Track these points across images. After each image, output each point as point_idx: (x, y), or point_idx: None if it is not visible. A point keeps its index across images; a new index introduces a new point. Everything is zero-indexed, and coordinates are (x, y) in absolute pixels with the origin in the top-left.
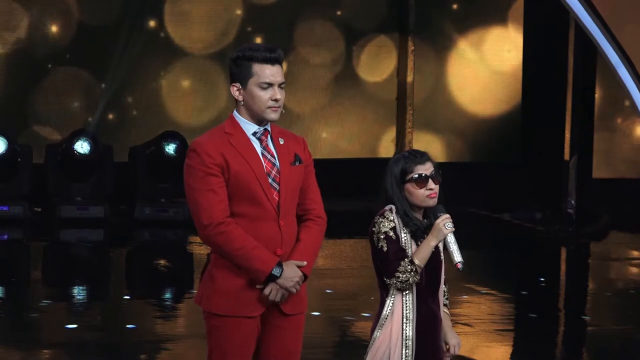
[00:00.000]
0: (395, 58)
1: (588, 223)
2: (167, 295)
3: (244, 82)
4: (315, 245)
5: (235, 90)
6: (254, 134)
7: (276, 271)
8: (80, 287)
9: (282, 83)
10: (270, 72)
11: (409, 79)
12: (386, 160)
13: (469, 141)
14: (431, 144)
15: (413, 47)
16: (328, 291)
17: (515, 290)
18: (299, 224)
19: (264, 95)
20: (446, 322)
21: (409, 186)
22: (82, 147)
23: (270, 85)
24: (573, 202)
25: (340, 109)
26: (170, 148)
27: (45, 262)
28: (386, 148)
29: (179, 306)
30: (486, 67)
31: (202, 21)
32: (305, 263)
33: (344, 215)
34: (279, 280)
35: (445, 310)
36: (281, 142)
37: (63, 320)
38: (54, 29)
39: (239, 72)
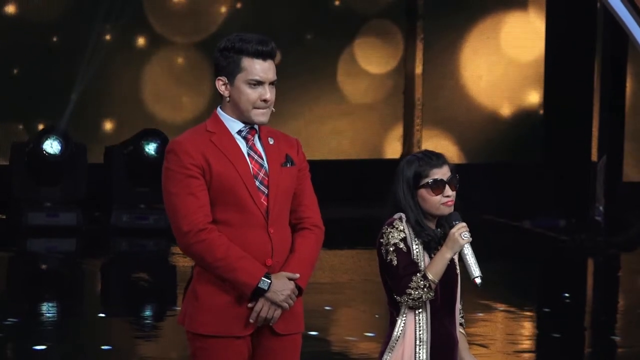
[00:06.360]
0: (402, 46)
1: (618, 231)
2: (147, 313)
3: (230, 77)
4: (311, 256)
5: (220, 85)
6: (239, 132)
7: (263, 284)
8: (50, 304)
9: (274, 81)
10: (261, 68)
11: (418, 70)
12: (392, 162)
13: (484, 140)
14: (442, 143)
15: (422, 35)
16: (327, 308)
17: (537, 307)
18: (293, 233)
19: (252, 93)
20: (462, 344)
21: (423, 192)
22: (51, 146)
23: (260, 83)
24: (601, 208)
25: (339, 104)
26: (151, 148)
27: (10, 275)
28: (392, 148)
29: (160, 325)
30: (504, 56)
31: (186, 6)
32: (297, 275)
33: (344, 224)
34: (267, 294)
35: (461, 330)
36: (270, 142)
37: (31, 341)
38: (16, 10)
39: (226, 65)
